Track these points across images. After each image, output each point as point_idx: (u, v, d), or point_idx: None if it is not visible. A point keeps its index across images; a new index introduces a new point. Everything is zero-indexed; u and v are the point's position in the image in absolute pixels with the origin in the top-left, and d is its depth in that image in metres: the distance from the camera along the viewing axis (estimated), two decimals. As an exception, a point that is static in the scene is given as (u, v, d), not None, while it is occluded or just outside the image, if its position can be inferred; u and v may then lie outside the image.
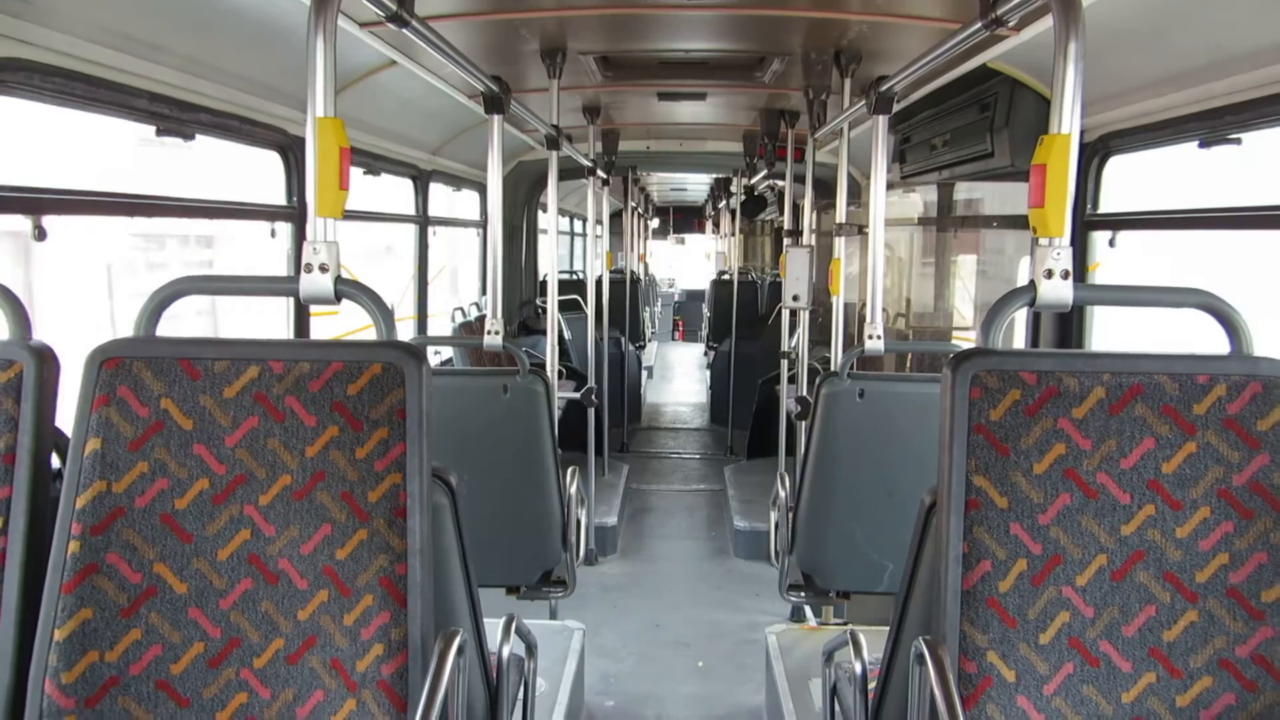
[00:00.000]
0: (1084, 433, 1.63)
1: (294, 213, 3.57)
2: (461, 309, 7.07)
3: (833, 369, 3.48)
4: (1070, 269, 1.69)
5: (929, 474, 1.73)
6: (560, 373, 5.60)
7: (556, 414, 3.79)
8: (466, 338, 6.14)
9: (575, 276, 10.84)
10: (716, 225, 15.38)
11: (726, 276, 11.50)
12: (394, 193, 5.25)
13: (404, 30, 2.31)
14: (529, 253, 8.11)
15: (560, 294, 4.92)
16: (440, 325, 6.88)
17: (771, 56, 4.05)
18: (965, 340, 5.39)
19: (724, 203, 13.05)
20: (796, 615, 5.11)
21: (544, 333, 4.91)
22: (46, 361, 1.71)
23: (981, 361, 1.65)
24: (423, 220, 5.43)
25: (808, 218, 5.14)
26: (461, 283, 8.75)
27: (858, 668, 2.12)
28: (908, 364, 5.87)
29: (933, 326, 5.97)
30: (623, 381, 8.65)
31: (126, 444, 1.65)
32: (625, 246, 10.03)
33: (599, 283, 6.98)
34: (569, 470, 3.56)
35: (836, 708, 2.40)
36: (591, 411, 6.17)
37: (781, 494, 3.63)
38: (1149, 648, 1.61)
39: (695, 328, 18.60)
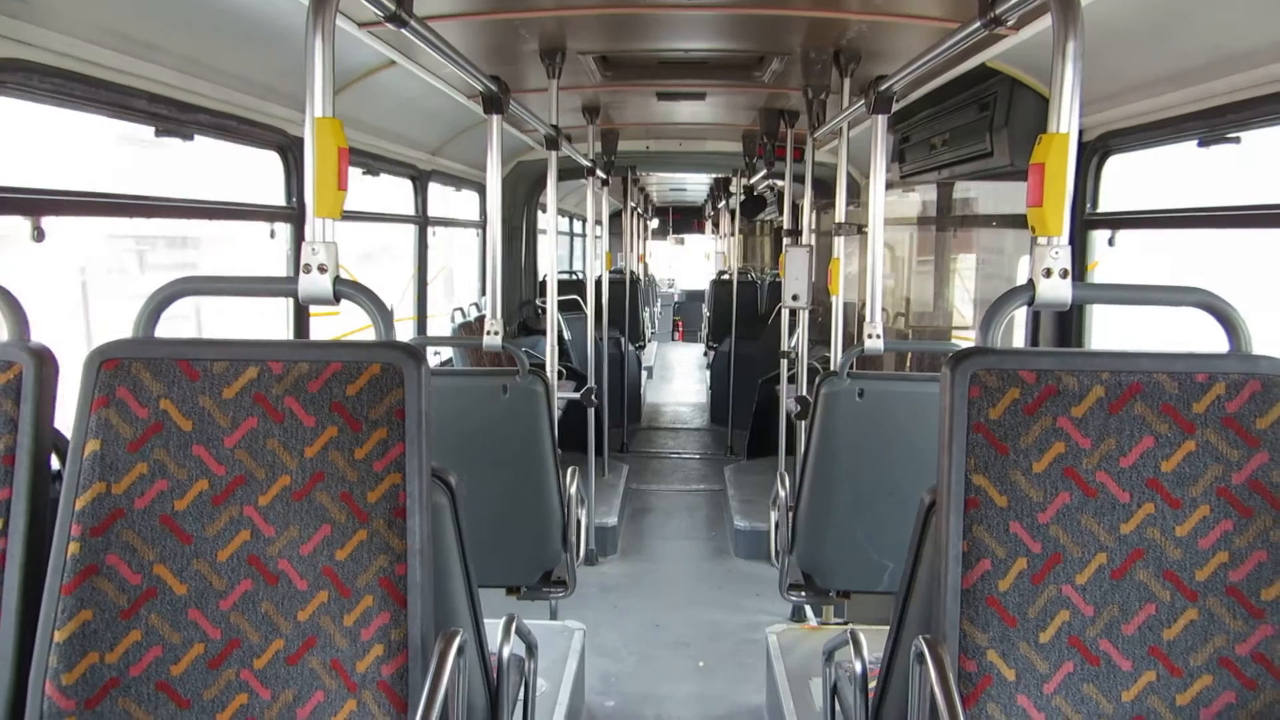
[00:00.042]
0: (1083, 431, 1.63)
1: (293, 213, 3.57)
2: (461, 309, 7.07)
3: (832, 368, 3.48)
4: (1069, 268, 1.69)
5: (929, 473, 1.73)
6: (560, 373, 5.59)
7: (556, 414, 3.79)
8: (466, 338, 6.14)
9: (575, 277, 10.84)
10: (716, 225, 15.37)
11: (726, 276, 11.50)
12: (393, 193, 5.25)
13: (403, 30, 2.31)
14: (528, 253, 8.10)
15: (560, 294, 4.91)
16: (439, 326, 6.88)
17: (771, 56, 4.05)
18: (964, 339, 5.39)
19: (723, 203, 13.04)
20: (797, 615, 5.11)
21: (544, 333, 4.91)
22: (46, 363, 1.71)
23: (981, 360, 1.65)
24: (422, 220, 5.42)
25: (807, 217, 5.13)
26: (458, 285, 8.73)
27: (858, 667, 2.12)
28: (907, 363, 5.88)
29: (932, 326, 5.97)
30: (622, 382, 8.65)
31: (126, 445, 1.65)
32: (625, 246, 10.02)
33: (599, 283, 6.98)
34: (569, 470, 3.56)
35: (837, 707, 2.40)
36: (591, 412, 6.17)
37: (781, 494, 3.63)
38: (1149, 646, 1.61)
39: (695, 328, 18.58)
